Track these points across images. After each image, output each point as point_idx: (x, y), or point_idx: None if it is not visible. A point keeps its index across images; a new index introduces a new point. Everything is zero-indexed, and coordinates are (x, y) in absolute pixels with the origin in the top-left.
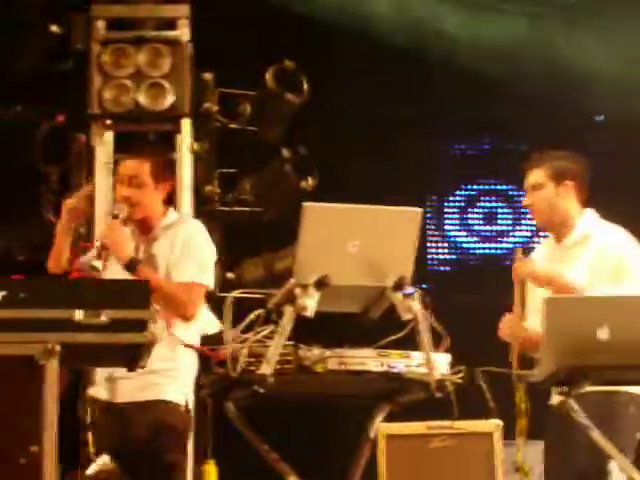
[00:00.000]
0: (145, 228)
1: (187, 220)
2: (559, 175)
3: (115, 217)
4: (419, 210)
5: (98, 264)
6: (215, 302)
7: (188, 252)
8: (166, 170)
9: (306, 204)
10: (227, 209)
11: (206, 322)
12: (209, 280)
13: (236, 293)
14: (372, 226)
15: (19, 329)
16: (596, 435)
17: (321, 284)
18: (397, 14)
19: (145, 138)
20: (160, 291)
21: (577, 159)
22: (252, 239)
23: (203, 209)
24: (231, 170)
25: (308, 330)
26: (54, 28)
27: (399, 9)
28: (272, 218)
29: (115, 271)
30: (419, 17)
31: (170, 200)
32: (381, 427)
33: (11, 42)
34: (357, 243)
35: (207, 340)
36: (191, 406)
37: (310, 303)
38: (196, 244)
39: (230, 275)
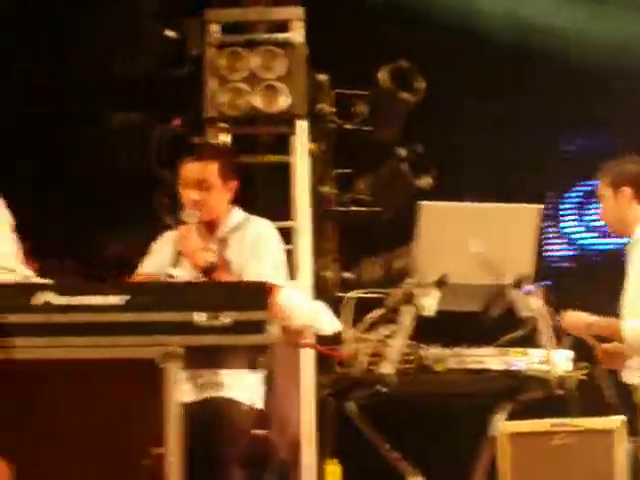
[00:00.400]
0: (210, 228)
1: (255, 220)
2: (616, 183)
3: (186, 223)
4: (539, 207)
5: (174, 272)
6: (334, 302)
7: (259, 253)
8: (233, 170)
9: (423, 203)
10: (344, 209)
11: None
12: (283, 280)
13: (355, 293)
14: (491, 224)
15: (140, 332)
16: None
17: (440, 283)
18: (505, 11)
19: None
20: None
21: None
22: (369, 239)
23: (320, 210)
24: (347, 170)
25: (428, 329)
26: (169, 33)
27: (507, 6)
28: (389, 217)
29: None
30: (528, 14)
31: (236, 199)
32: (503, 425)
33: (127, 48)
34: (476, 241)
35: (327, 340)
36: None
37: (430, 302)
38: (267, 244)
39: (348, 275)
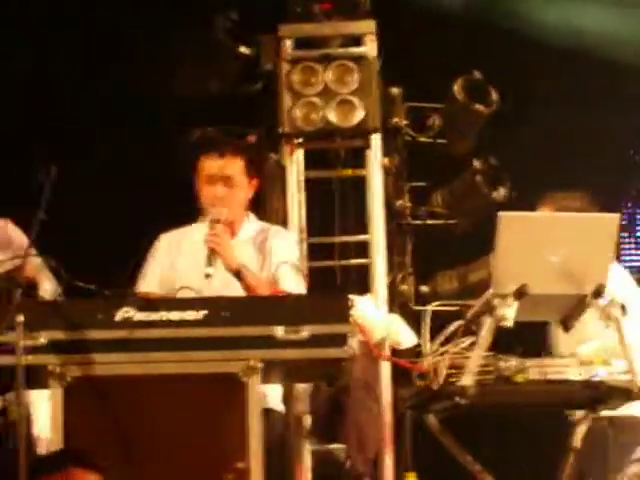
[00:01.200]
0: (230, 230)
1: (277, 230)
2: None
3: (216, 222)
4: (617, 216)
5: (211, 271)
6: (410, 315)
7: (287, 264)
8: (257, 168)
9: (502, 213)
10: (419, 222)
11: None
12: (304, 286)
13: (434, 305)
14: (570, 233)
15: (221, 347)
16: None
17: (520, 294)
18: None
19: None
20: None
21: None
22: (444, 251)
23: (395, 223)
24: (421, 184)
25: (507, 340)
26: (243, 49)
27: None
28: (464, 230)
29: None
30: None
31: (255, 200)
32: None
33: (201, 65)
34: (555, 251)
35: (403, 353)
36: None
37: (509, 313)
38: (291, 253)
39: (424, 288)
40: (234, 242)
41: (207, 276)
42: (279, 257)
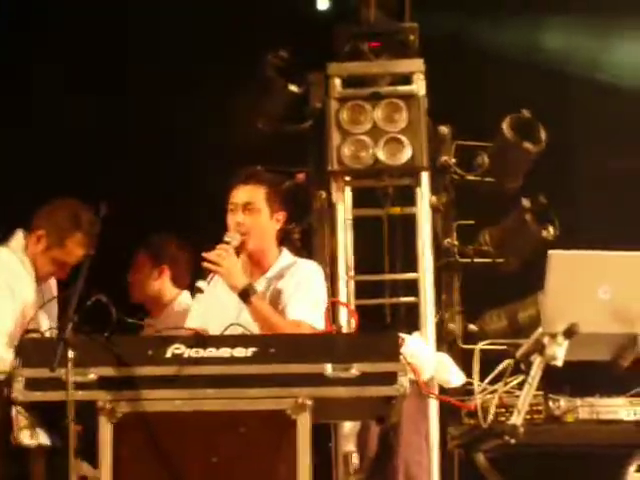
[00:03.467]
0: (259, 265)
1: (304, 261)
2: None
3: (226, 243)
4: None
5: (203, 284)
6: (458, 354)
7: (301, 291)
8: (282, 199)
9: (552, 252)
10: (467, 261)
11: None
12: (319, 321)
13: (483, 344)
14: (622, 272)
15: (270, 384)
16: None
17: (570, 332)
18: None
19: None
20: (269, 324)
21: None
22: (492, 290)
23: (443, 262)
24: (469, 222)
25: (558, 379)
26: (292, 87)
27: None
28: (512, 268)
29: (219, 297)
30: None
31: (283, 237)
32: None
33: (251, 104)
34: (606, 289)
35: (452, 392)
36: None
37: (559, 352)
38: (310, 284)
39: (472, 327)
40: (261, 279)
41: (197, 290)
42: (295, 283)
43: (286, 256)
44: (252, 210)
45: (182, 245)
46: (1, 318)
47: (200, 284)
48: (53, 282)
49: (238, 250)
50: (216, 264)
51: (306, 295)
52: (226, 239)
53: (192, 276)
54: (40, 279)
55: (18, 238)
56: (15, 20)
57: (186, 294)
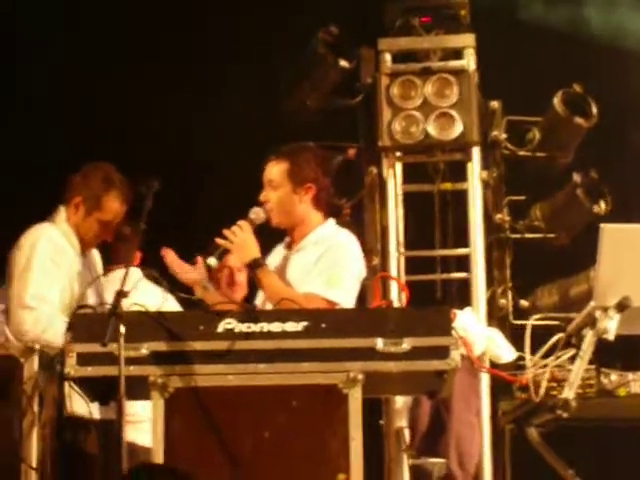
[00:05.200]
0: (293, 238)
1: (338, 232)
2: None
3: (250, 221)
4: None
5: (213, 261)
6: (509, 329)
7: (324, 263)
8: (310, 173)
9: (604, 225)
10: (518, 236)
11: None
12: (339, 296)
13: (534, 319)
14: None
15: (321, 359)
16: None
17: (622, 306)
18: None
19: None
20: (277, 297)
21: None
22: (544, 265)
23: (494, 237)
24: (520, 197)
25: (609, 353)
26: (343, 63)
27: None
28: (564, 244)
29: None
30: None
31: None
32: None
33: (302, 80)
34: None
35: (503, 367)
36: None
37: (611, 325)
38: (336, 256)
39: (523, 302)
40: (288, 254)
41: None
42: (322, 255)
43: (327, 226)
44: (274, 187)
45: None
46: (48, 292)
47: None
48: (96, 254)
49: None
50: (228, 240)
51: (327, 268)
52: (250, 216)
53: None
54: (87, 245)
55: (59, 212)
56: None
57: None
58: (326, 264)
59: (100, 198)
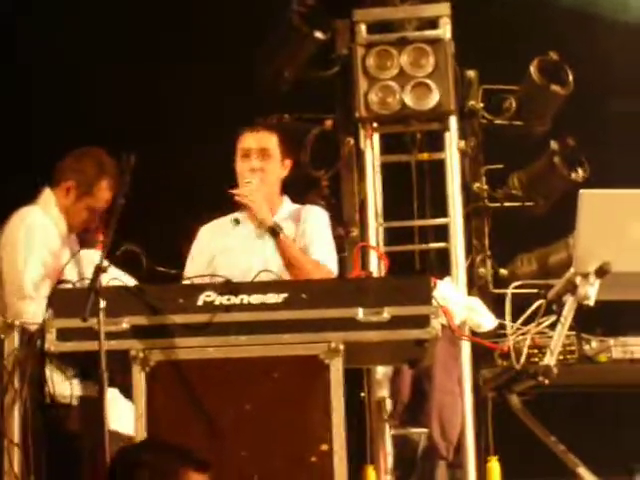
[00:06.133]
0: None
1: (312, 206)
2: None
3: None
4: None
5: (240, 216)
6: (489, 298)
7: (319, 235)
8: (292, 146)
9: (583, 191)
10: (496, 205)
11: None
12: (335, 267)
13: (514, 286)
14: None
15: (302, 330)
16: None
17: (602, 272)
18: None
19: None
20: (298, 264)
21: None
22: (523, 234)
23: (472, 206)
24: (498, 166)
25: (590, 319)
26: (318, 34)
27: None
28: (542, 212)
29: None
30: None
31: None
32: None
33: (277, 52)
34: (637, 228)
35: (484, 336)
36: None
37: (591, 292)
38: (324, 229)
39: (503, 271)
40: (258, 231)
41: (236, 221)
42: (310, 226)
43: (288, 203)
44: (268, 156)
45: None
46: (33, 271)
47: (237, 215)
48: (73, 236)
49: None
50: (249, 199)
51: (323, 240)
52: (247, 181)
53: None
54: (73, 229)
55: (46, 194)
56: None
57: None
58: (321, 235)
59: (93, 184)
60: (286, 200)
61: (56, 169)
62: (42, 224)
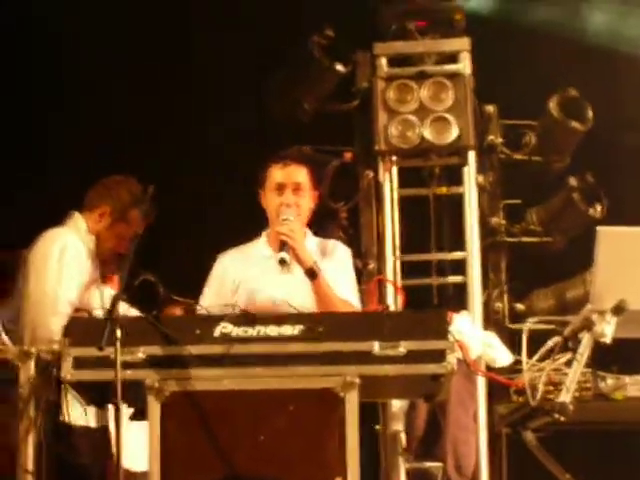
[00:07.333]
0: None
1: (337, 242)
2: None
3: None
4: None
5: (286, 256)
6: (505, 333)
7: (344, 272)
8: (317, 177)
9: (600, 228)
10: (514, 240)
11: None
12: (358, 304)
13: (531, 322)
14: None
15: (318, 362)
16: None
17: (619, 309)
18: None
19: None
20: (330, 303)
21: None
22: (540, 269)
23: (490, 241)
24: (516, 201)
25: (606, 356)
26: (339, 67)
27: None
28: (560, 248)
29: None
30: None
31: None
32: None
33: (298, 83)
34: None
35: (498, 371)
36: None
37: (607, 329)
38: (349, 266)
39: (519, 306)
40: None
41: (282, 261)
42: (336, 263)
43: (311, 236)
44: (301, 190)
45: None
46: (68, 289)
47: (283, 255)
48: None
49: None
50: (292, 238)
51: (348, 277)
52: (284, 217)
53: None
54: (102, 254)
55: (76, 218)
56: None
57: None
58: (346, 273)
59: (126, 212)
60: (308, 233)
61: (89, 195)
62: (75, 246)
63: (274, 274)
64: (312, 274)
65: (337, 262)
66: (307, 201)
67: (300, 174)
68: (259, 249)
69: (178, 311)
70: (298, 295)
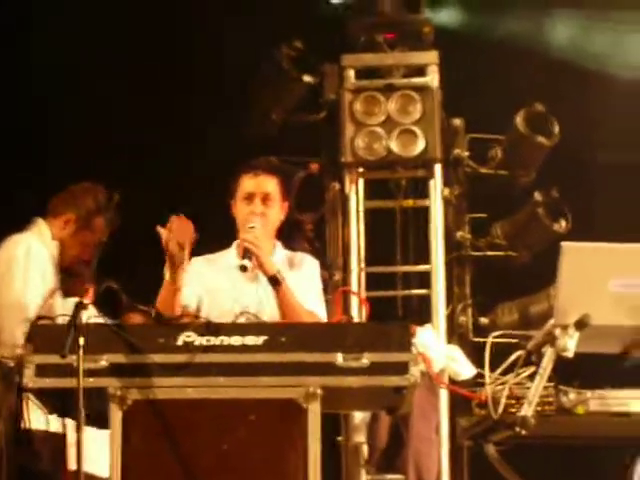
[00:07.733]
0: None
1: (305, 254)
2: None
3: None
4: None
5: (247, 263)
6: (469, 347)
7: (312, 284)
8: (288, 191)
9: (564, 243)
10: (479, 254)
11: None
12: (324, 316)
13: (494, 336)
14: (633, 264)
15: (281, 373)
16: None
17: (581, 324)
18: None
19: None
20: (294, 313)
21: None
22: (504, 284)
23: (455, 254)
24: (482, 215)
25: (568, 371)
26: (307, 78)
27: None
28: (524, 262)
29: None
30: None
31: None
32: None
33: (264, 94)
34: (618, 282)
35: (461, 384)
36: None
37: (570, 344)
38: (316, 278)
39: (483, 320)
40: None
41: (242, 268)
42: (305, 276)
43: (280, 248)
44: (270, 200)
45: None
46: (35, 295)
47: (244, 262)
48: None
49: None
50: (256, 245)
51: (314, 289)
52: (251, 225)
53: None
54: (65, 262)
55: (40, 225)
56: None
57: None
58: (313, 284)
59: (91, 220)
60: (278, 244)
61: (53, 202)
62: (39, 252)
63: (242, 283)
64: (275, 282)
65: (304, 274)
66: (276, 211)
67: (270, 184)
68: (227, 259)
69: (137, 318)
70: (266, 304)
